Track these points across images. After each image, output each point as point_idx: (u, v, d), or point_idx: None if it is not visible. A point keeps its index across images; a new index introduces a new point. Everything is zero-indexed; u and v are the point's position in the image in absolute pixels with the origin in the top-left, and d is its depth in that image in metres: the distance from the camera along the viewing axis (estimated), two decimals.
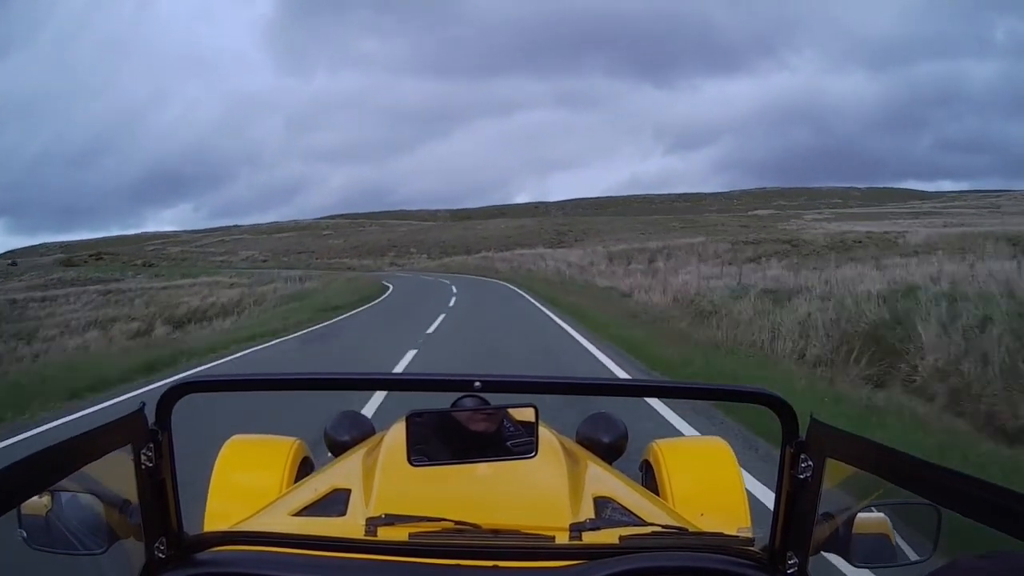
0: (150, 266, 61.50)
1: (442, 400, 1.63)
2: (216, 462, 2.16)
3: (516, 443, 1.53)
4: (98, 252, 77.03)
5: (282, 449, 2.25)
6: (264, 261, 69.02)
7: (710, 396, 1.20)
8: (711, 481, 2.19)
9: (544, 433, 1.54)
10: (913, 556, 1.18)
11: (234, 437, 2.36)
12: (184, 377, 1.08)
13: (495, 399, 1.42)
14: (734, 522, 1.92)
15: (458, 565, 1.06)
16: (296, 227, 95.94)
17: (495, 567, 1.07)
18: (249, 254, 75.95)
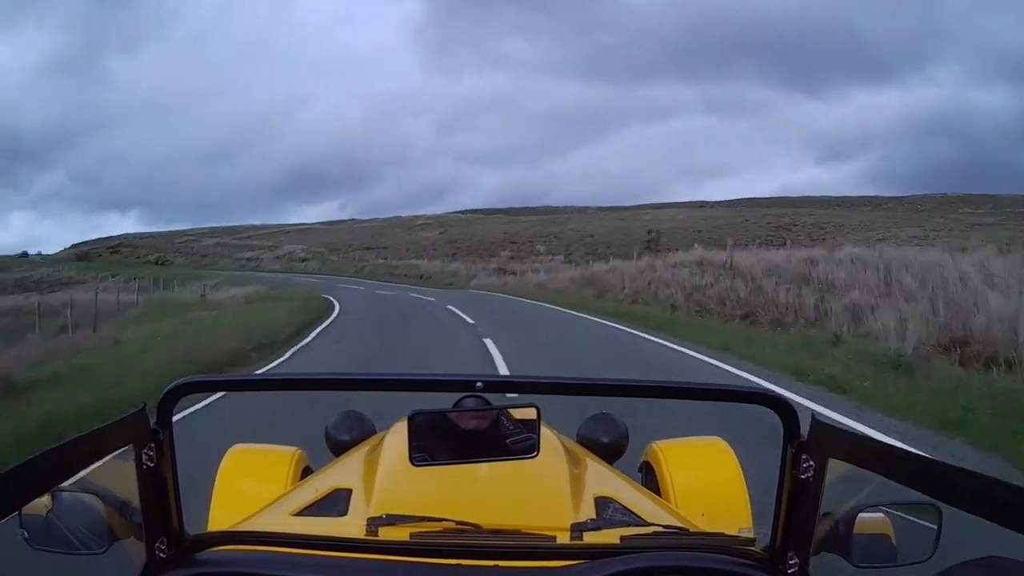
0: (162, 264, 55.13)
1: (444, 400, 1.63)
2: (218, 472, 2.17)
3: (517, 443, 1.53)
4: (119, 244, 68.27)
5: (283, 459, 2.26)
6: (303, 260, 51.41)
7: (710, 396, 1.20)
8: (711, 481, 2.19)
9: (545, 433, 1.54)
10: (914, 556, 1.18)
11: (236, 446, 2.37)
12: (184, 378, 1.08)
13: (496, 399, 1.42)
14: (735, 522, 1.92)
15: (459, 565, 1.06)
16: (393, 223, 70.55)
17: (496, 567, 1.07)
18: (292, 249, 56.74)
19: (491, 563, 1.07)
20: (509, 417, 1.72)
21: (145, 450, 1.01)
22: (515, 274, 32.50)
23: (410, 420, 1.20)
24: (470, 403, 1.73)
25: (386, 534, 1.23)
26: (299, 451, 2.34)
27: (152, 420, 1.03)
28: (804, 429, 1.02)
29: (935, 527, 1.13)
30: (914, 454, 0.87)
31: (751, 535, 1.18)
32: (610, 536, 1.22)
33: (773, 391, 1.05)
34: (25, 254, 73.18)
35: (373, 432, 2.41)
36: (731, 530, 1.30)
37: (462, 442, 1.48)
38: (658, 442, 2.38)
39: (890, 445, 0.91)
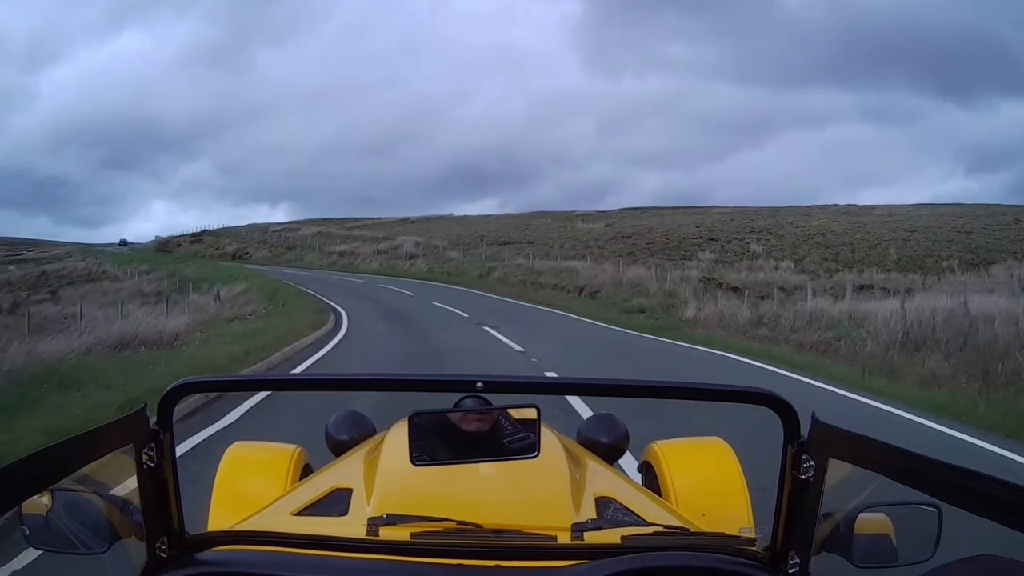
0: (240, 257, 46.14)
1: (444, 401, 1.63)
2: (218, 469, 2.17)
3: (518, 443, 1.53)
4: (202, 233, 59.23)
5: (283, 456, 2.26)
6: (411, 258, 37.25)
7: (710, 396, 1.20)
8: (712, 481, 2.19)
9: (546, 433, 1.54)
10: (914, 556, 1.18)
11: (235, 444, 2.37)
12: (184, 378, 1.08)
13: (497, 399, 1.42)
14: (736, 522, 1.92)
15: (460, 565, 1.06)
16: (542, 215, 52.66)
17: (497, 567, 1.07)
18: (402, 242, 41.54)
19: (492, 563, 1.07)
20: (509, 417, 1.72)
21: (146, 450, 1.01)
22: (760, 296, 17.62)
23: (411, 420, 1.20)
24: (470, 403, 1.73)
25: (387, 534, 1.23)
26: (299, 449, 2.34)
27: (152, 420, 1.03)
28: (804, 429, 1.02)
29: (935, 527, 1.13)
30: (914, 454, 0.87)
31: (752, 535, 1.18)
32: (611, 536, 1.22)
33: (773, 392, 1.05)
34: (124, 242, 70.66)
35: (373, 432, 2.41)
36: (732, 530, 1.30)
37: (462, 442, 1.48)
38: (658, 442, 2.37)
39: (890, 445, 0.91)
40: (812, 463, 1.00)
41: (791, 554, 1.04)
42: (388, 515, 1.28)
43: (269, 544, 1.08)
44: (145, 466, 1.01)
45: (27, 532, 1.11)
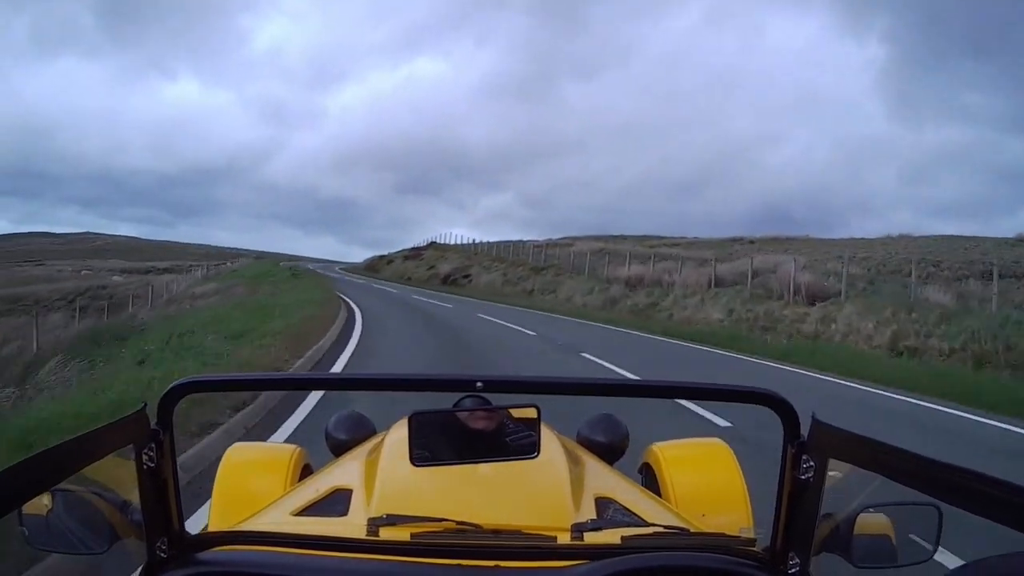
0: (454, 282, 33.35)
1: (444, 400, 1.63)
2: (218, 471, 2.17)
3: (518, 443, 1.53)
4: (427, 246, 47.73)
5: (283, 457, 2.26)
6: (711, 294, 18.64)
7: (710, 396, 1.20)
8: (712, 483, 2.19)
9: (546, 433, 1.54)
10: (914, 557, 1.18)
11: (235, 445, 2.37)
12: (185, 378, 1.08)
13: (497, 399, 1.42)
14: (736, 523, 1.92)
15: (460, 565, 1.06)
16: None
17: (497, 567, 1.07)
18: (780, 262, 19.86)
19: (492, 563, 1.07)
20: (509, 417, 1.72)
21: (145, 450, 1.01)
22: None
23: (411, 420, 1.20)
24: (470, 403, 1.73)
25: (387, 534, 1.23)
26: (299, 449, 2.34)
27: (153, 420, 1.03)
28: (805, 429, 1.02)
29: (935, 527, 1.13)
30: (915, 454, 0.87)
31: (752, 535, 1.18)
32: (611, 536, 1.22)
33: (773, 391, 1.05)
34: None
35: (373, 432, 2.41)
36: (732, 530, 1.30)
37: (462, 442, 1.48)
38: (658, 444, 2.38)
39: (891, 445, 0.91)
40: (812, 463, 1.00)
41: (791, 554, 1.04)
42: (388, 515, 1.28)
43: (269, 544, 1.08)
44: (145, 466, 1.01)
45: (27, 532, 1.11)
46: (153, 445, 1.02)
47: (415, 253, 46.38)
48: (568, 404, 1.17)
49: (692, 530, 1.42)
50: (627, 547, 1.12)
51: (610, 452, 2.36)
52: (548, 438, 1.68)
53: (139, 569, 1.05)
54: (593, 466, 1.86)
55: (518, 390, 1.09)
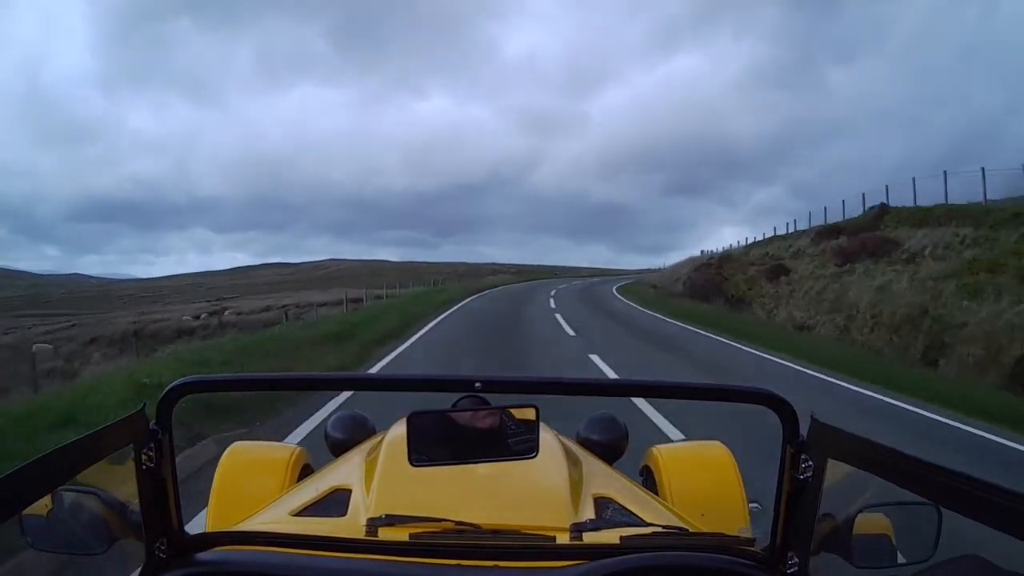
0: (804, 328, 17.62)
1: (443, 400, 1.63)
2: (217, 470, 2.17)
3: (517, 443, 1.53)
4: (753, 245, 30.96)
5: (283, 456, 2.26)
6: None
7: (710, 396, 1.20)
8: (711, 487, 2.19)
9: (544, 433, 1.54)
10: (914, 557, 1.18)
11: (235, 444, 2.37)
12: (184, 378, 1.08)
13: (496, 399, 1.42)
14: (735, 524, 1.92)
15: (459, 565, 1.06)
16: None
17: (496, 567, 1.07)
18: None
19: (491, 563, 1.07)
20: (508, 417, 1.72)
21: (145, 450, 1.01)
22: None
23: (409, 420, 1.20)
24: (468, 404, 1.73)
25: (386, 534, 1.23)
26: (299, 448, 2.34)
27: (152, 421, 1.03)
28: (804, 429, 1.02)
29: (935, 527, 1.13)
30: (913, 457, 0.87)
31: (751, 535, 1.18)
32: (610, 536, 1.22)
33: (773, 391, 1.05)
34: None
35: (373, 432, 2.41)
36: (731, 531, 1.30)
37: (461, 442, 1.48)
38: (658, 447, 2.38)
39: (890, 447, 0.91)
40: (811, 463, 1.00)
41: (790, 554, 1.05)
42: (387, 515, 1.28)
43: (268, 544, 1.08)
44: (144, 466, 1.01)
45: (27, 533, 1.11)
46: (152, 445, 1.02)
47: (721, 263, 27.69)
48: (569, 401, 1.17)
49: (691, 530, 1.42)
50: (626, 547, 1.12)
51: (609, 452, 2.36)
52: (547, 438, 1.68)
53: (138, 569, 1.05)
54: (592, 466, 1.86)
55: (517, 390, 1.09)
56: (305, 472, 2.24)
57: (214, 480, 2.13)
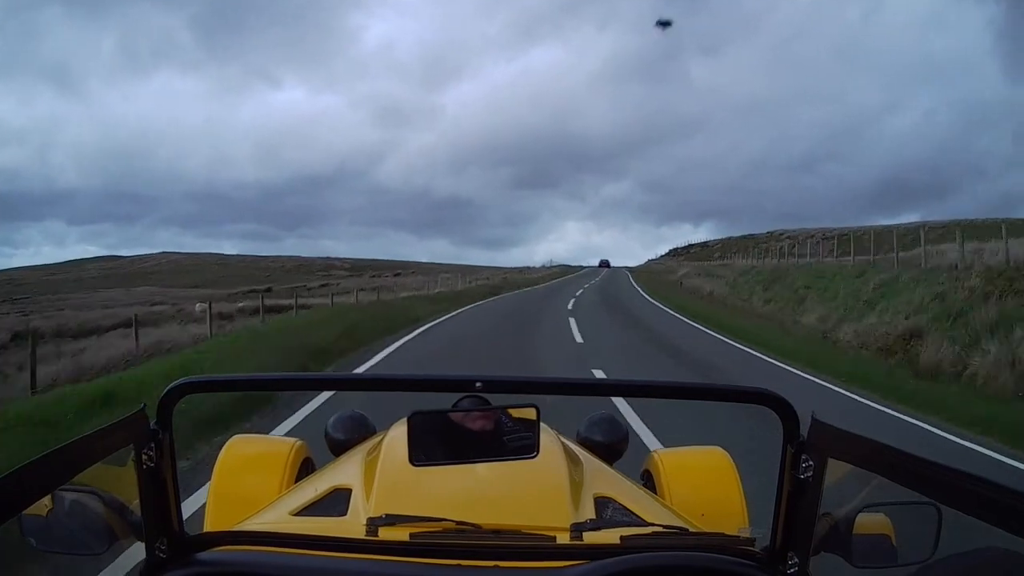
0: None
1: (443, 400, 1.62)
2: (216, 463, 2.16)
3: (517, 443, 1.53)
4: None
5: (283, 450, 2.25)
6: None
7: (710, 396, 1.20)
8: (711, 491, 2.19)
9: (545, 433, 1.54)
10: (914, 557, 1.18)
11: (235, 438, 2.35)
12: (184, 378, 1.08)
13: (496, 399, 1.42)
14: (734, 523, 1.92)
15: (459, 565, 1.06)
16: None
17: (496, 567, 1.07)
18: None
19: (491, 563, 1.07)
20: (509, 417, 1.72)
21: (145, 450, 1.01)
22: None
23: (410, 420, 1.20)
24: (469, 404, 1.73)
25: (386, 534, 1.23)
26: (299, 442, 2.32)
27: (152, 421, 1.03)
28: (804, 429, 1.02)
29: (935, 527, 1.13)
30: (914, 455, 0.87)
31: (751, 535, 1.18)
32: (610, 536, 1.22)
33: (773, 391, 1.05)
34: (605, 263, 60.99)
35: (373, 432, 2.41)
36: (731, 531, 1.30)
37: (462, 442, 1.48)
38: (658, 451, 2.38)
39: (890, 446, 0.91)
40: (811, 463, 1.00)
41: (790, 554, 1.04)
42: (387, 515, 1.28)
43: (268, 544, 1.08)
44: (144, 466, 1.01)
45: (27, 533, 1.11)
46: (152, 445, 1.02)
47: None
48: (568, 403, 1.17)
49: (691, 530, 1.42)
50: (626, 547, 1.12)
51: (609, 452, 2.36)
52: (547, 438, 1.68)
53: (138, 569, 1.05)
54: (592, 466, 1.86)
55: (517, 390, 1.09)
56: (306, 466, 2.24)
57: (212, 476, 2.11)
